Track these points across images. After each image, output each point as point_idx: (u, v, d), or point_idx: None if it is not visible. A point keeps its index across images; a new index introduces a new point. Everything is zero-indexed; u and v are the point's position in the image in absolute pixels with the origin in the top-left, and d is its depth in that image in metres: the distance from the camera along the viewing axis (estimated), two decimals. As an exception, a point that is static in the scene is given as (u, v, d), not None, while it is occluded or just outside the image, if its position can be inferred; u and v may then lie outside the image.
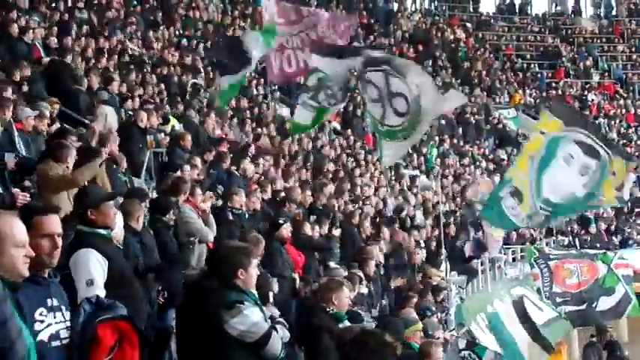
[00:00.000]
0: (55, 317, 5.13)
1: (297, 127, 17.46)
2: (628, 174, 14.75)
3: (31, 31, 18.52)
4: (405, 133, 13.37)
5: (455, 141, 37.26)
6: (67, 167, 10.32)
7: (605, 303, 19.81)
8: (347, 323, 9.24)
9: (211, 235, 11.70)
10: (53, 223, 5.22)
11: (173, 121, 18.71)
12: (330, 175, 22.42)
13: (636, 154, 43.32)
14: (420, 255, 18.43)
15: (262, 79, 28.35)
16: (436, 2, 52.13)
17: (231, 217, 13.16)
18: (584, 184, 13.78)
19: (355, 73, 15.18)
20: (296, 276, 12.99)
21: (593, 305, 19.72)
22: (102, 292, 6.56)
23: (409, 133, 13.44)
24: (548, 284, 20.00)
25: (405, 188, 26.70)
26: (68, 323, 5.25)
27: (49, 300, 5.12)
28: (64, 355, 5.16)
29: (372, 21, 44.38)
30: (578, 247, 31.27)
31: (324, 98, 15.00)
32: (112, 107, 16.74)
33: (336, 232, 16.44)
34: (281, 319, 7.57)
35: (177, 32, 27.87)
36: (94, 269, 6.77)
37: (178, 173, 13.83)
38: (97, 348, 5.28)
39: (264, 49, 17.88)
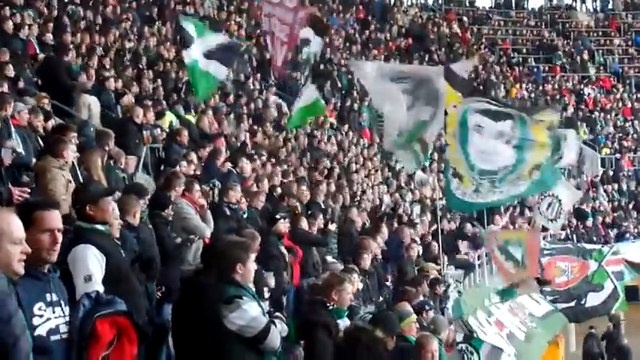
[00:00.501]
0: (54, 312, 5.13)
1: (293, 120, 17.49)
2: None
3: (26, 27, 18.50)
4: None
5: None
6: (66, 162, 10.32)
7: (593, 299, 19.98)
8: (346, 319, 9.25)
9: (208, 231, 11.70)
10: (54, 218, 5.22)
11: (170, 117, 18.69)
12: (327, 172, 22.38)
13: (633, 147, 43.49)
14: (416, 250, 18.42)
15: (259, 74, 28.36)
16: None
17: (227, 212, 13.16)
18: (507, 142, 13.89)
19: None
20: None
21: (582, 302, 19.87)
22: (100, 288, 6.56)
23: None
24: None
25: (402, 184, 26.71)
26: (67, 318, 5.25)
27: (48, 295, 5.12)
28: (64, 349, 5.16)
29: (369, 16, 44.35)
30: (575, 241, 31.37)
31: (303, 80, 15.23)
32: (94, 97, 16.70)
33: (332, 226, 16.43)
34: (279, 314, 7.59)
35: (172, 28, 27.80)
36: (92, 265, 6.77)
37: (177, 168, 13.81)
38: (96, 343, 5.29)
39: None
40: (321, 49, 15.13)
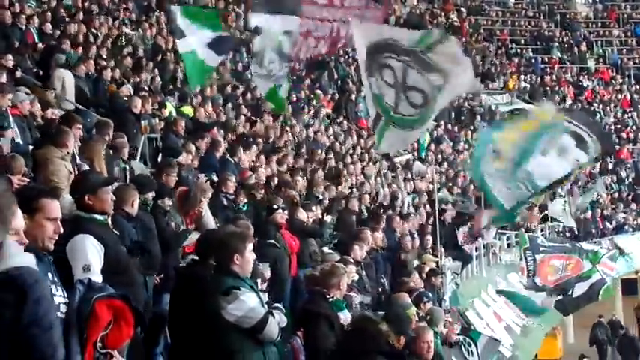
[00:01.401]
0: (57, 290, 5.21)
1: (272, 100, 17.13)
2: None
3: (24, 16, 18.46)
4: (415, 124, 13.32)
5: (449, 127, 37.26)
6: (68, 153, 10.31)
7: (579, 288, 20.04)
8: (346, 312, 9.25)
9: (212, 224, 11.64)
10: (57, 208, 5.33)
11: (170, 107, 18.68)
12: (323, 162, 22.37)
13: (632, 138, 43.51)
14: (409, 241, 18.43)
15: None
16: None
17: (225, 203, 13.14)
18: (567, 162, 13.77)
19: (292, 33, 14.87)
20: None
21: (569, 293, 19.92)
22: (99, 278, 6.56)
23: (419, 124, 13.42)
24: (531, 276, 20.21)
25: (398, 176, 26.67)
26: (66, 299, 5.33)
27: (50, 274, 5.17)
28: (62, 328, 5.19)
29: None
30: (576, 232, 31.44)
31: (267, 65, 14.77)
32: (69, 71, 16.70)
33: (327, 217, 16.42)
34: (278, 305, 7.59)
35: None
36: (90, 255, 6.75)
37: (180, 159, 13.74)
38: (95, 323, 5.38)
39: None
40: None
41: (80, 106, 15.84)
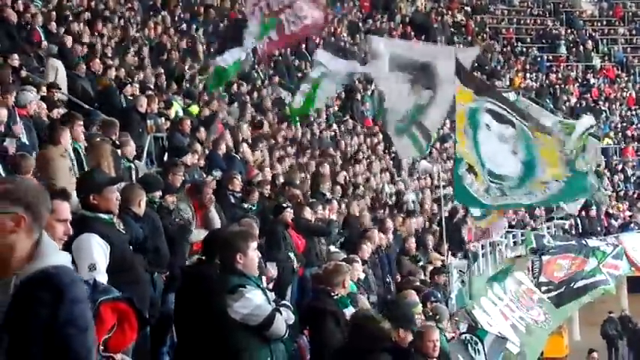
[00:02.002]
0: None
1: (295, 111, 17.52)
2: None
3: (28, 15, 18.50)
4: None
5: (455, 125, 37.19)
6: (65, 150, 10.32)
7: (582, 283, 20.05)
8: (351, 308, 9.26)
9: (218, 222, 11.65)
10: (68, 209, 5.43)
11: (176, 107, 18.69)
12: (330, 160, 22.36)
13: (637, 136, 43.44)
14: (413, 241, 18.46)
15: (262, 64, 28.31)
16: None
17: (232, 200, 13.15)
18: (513, 152, 13.84)
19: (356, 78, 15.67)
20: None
21: (571, 285, 19.91)
22: (104, 277, 6.56)
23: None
24: (537, 276, 20.18)
25: (404, 174, 26.67)
26: None
27: None
28: None
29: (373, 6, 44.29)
30: (581, 230, 31.40)
31: (322, 93, 15.24)
32: (60, 61, 16.83)
33: (334, 216, 16.41)
34: (286, 302, 7.60)
35: (177, 17, 27.79)
36: (96, 254, 6.77)
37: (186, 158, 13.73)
38: (99, 326, 5.33)
39: (254, 41, 17.64)
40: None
41: (86, 106, 15.87)
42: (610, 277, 20.24)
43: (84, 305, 4.06)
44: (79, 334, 3.98)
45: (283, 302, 7.53)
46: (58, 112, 13.75)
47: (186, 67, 22.96)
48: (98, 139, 12.01)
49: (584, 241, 23.49)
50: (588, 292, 21.04)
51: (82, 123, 11.64)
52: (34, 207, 3.90)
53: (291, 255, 12.90)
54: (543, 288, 20.30)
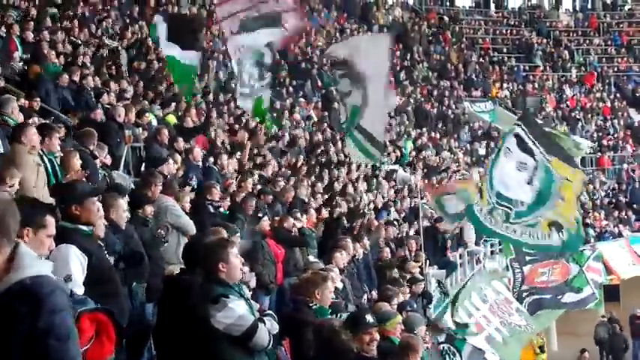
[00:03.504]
0: None
1: (256, 113, 17.34)
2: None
3: (3, 26, 18.45)
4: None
5: (432, 134, 37.32)
6: (33, 147, 10.23)
7: (570, 297, 20.03)
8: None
9: (194, 229, 11.64)
10: (54, 225, 5.41)
11: (150, 116, 18.61)
12: (306, 169, 22.35)
13: (611, 144, 43.68)
14: (387, 250, 18.47)
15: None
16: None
17: (211, 210, 13.11)
18: (526, 181, 13.82)
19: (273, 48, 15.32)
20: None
21: (559, 297, 19.91)
22: (80, 289, 6.50)
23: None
24: (519, 285, 20.20)
25: (383, 183, 26.68)
26: None
27: None
28: None
29: (347, 16, 44.36)
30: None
31: (247, 80, 15.02)
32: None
33: (309, 223, 16.38)
34: (270, 312, 7.56)
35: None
36: (73, 265, 6.71)
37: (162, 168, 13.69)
38: (79, 337, 5.28)
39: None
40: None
41: (63, 116, 15.80)
42: (595, 289, 20.26)
43: (64, 314, 4.02)
44: (59, 344, 3.95)
45: (267, 312, 7.49)
46: (34, 121, 13.64)
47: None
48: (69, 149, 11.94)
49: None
50: (577, 307, 21.12)
51: (58, 135, 11.55)
52: (0, 222, 3.87)
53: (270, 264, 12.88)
54: (525, 294, 20.30)
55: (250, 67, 14.92)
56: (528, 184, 13.89)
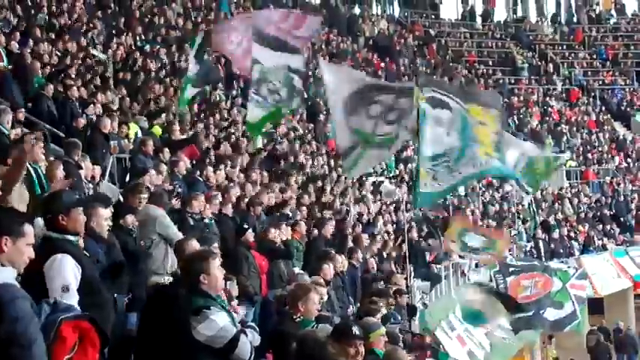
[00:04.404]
0: None
1: (250, 126, 17.41)
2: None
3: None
4: (390, 142, 13.66)
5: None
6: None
7: (551, 314, 20.01)
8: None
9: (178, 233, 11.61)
10: (33, 233, 5.33)
11: (134, 128, 18.59)
12: (293, 180, 22.33)
13: (596, 157, 43.83)
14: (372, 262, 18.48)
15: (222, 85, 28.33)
16: (399, 9, 52.32)
17: (192, 222, 13.07)
18: (447, 134, 13.83)
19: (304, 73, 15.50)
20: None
21: (541, 312, 19.89)
22: (75, 299, 6.49)
23: (393, 142, 13.76)
24: None
25: (368, 195, 26.67)
26: None
27: None
28: None
29: (333, 28, 44.37)
30: (542, 253, 31.56)
31: (267, 93, 15.12)
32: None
33: (297, 235, 16.38)
34: (252, 324, 7.55)
35: (139, 37, 27.71)
36: (70, 275, 6.69)
37: (142, 179, 13.69)
38: (61, 345, 5.28)
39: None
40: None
41: (48, 126, 15.78)
42: (578, 304, 20.20)
43: (27, 321, 4.02)
44: (22, 351, 3.95)
45: (249, 324, 7.49)
46: (16, 132, 13.63)
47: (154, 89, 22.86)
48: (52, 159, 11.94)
49: (546, 263, 23.61)
50: (557, 329, 21.13)
51: (42, 145, 11.55)
52: None
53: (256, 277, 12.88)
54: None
55: (280, 84, 15.17)
56: (447, 135, 13.86)
